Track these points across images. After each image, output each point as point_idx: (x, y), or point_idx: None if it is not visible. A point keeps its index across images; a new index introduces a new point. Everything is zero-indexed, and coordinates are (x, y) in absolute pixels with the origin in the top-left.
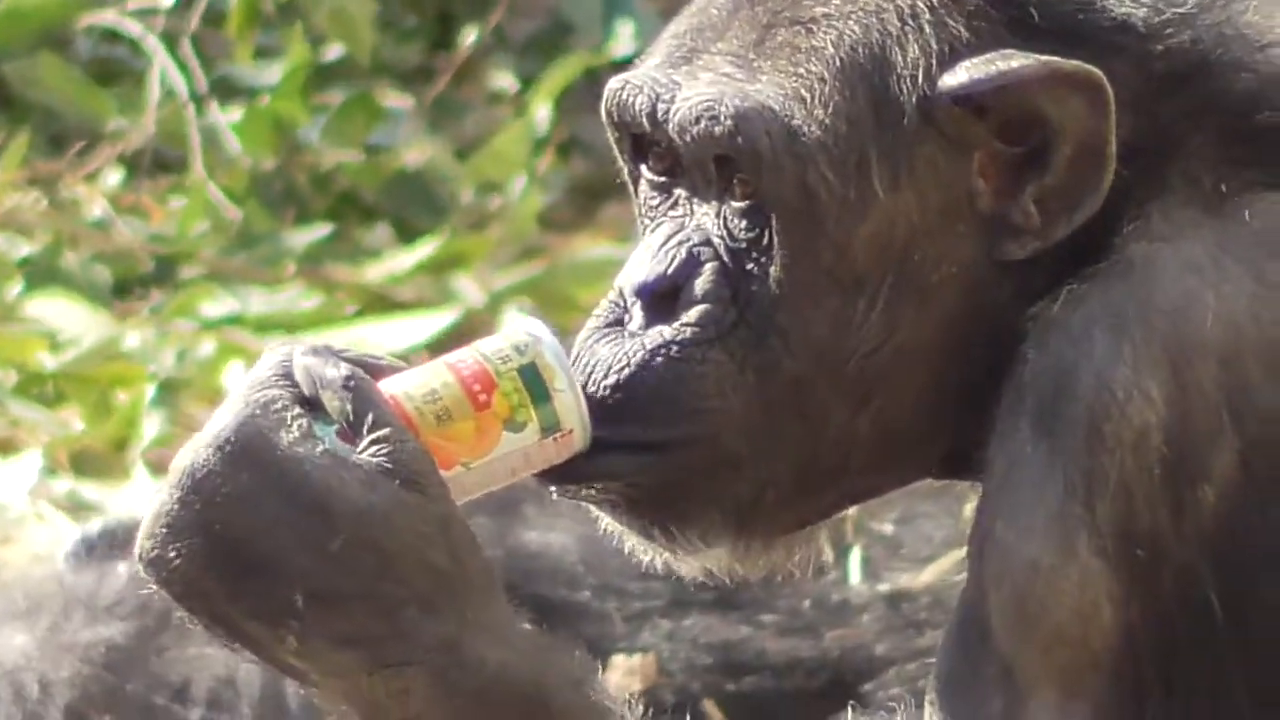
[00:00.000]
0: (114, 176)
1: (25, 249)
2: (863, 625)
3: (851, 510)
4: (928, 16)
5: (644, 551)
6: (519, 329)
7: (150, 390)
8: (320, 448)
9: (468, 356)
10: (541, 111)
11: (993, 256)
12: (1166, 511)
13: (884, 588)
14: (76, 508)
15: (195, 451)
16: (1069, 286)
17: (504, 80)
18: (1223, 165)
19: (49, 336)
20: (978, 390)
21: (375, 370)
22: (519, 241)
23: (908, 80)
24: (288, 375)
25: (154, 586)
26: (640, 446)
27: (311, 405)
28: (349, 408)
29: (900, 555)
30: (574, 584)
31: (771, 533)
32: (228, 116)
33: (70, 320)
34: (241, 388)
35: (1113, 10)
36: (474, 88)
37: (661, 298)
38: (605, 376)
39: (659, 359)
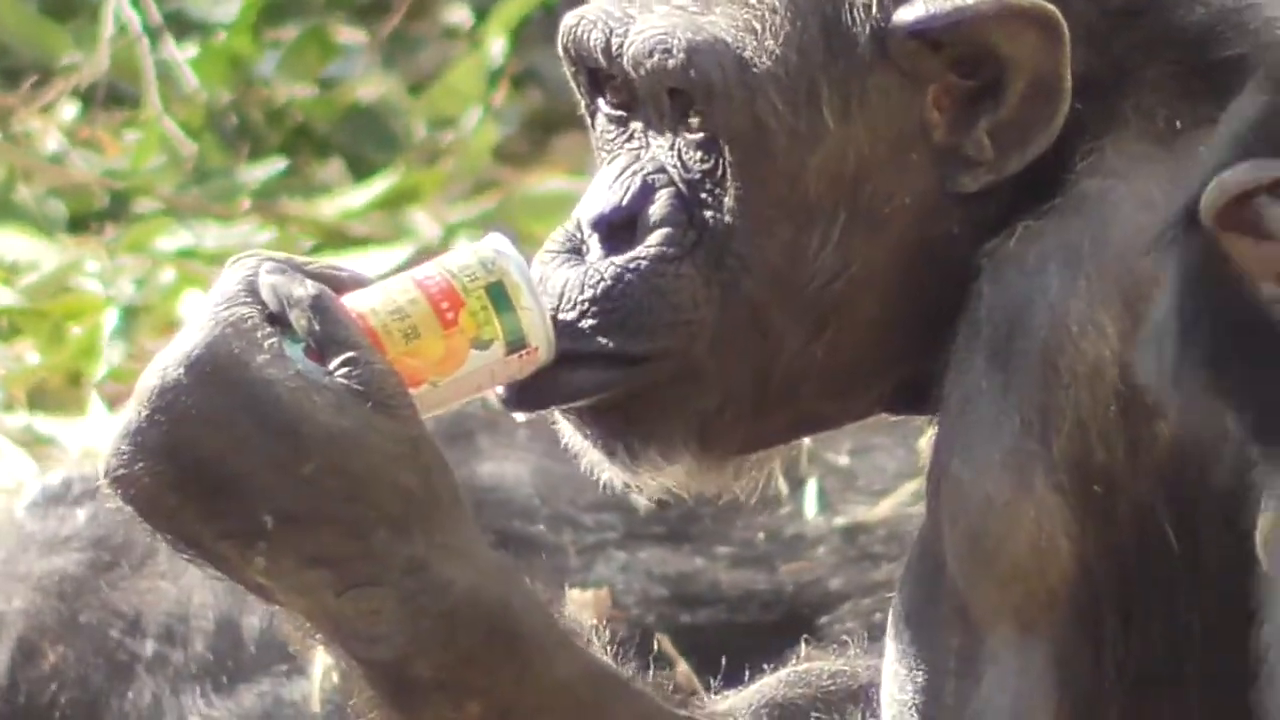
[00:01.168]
0: (69, 110)
1: None
2: (818, 558)
3: (806, 442)
4: None
5: (603, 469)
6: (485, 245)
7: (110, 318)
8: (292, 369)
9: (434, 273)
10: (496, 45)
11: (946, 189)
12: (1122, 447)
13: (839, 520)
14: (33, 442)
15: (164, 369)
16: (1024, 223)
17: (458, 14)
18: (1176, 99)
19: (3, 270)
20: (930, 324)
21: (339, 284)
22: (473, 175)
23: (860, 11)
24: (254, 291)
25: (120, 504)
26: (610, 360)
27: (278, 322)
28: (317, 328)
29: (855, 488)
30: (528, 516)
31: (728, 451)
32: (182, 52)
33: (25, 253)
34: (209, 303)
35: None
36: (428, 22)
37: (619, 227)
38: (580, 292)
39: (630, 275)
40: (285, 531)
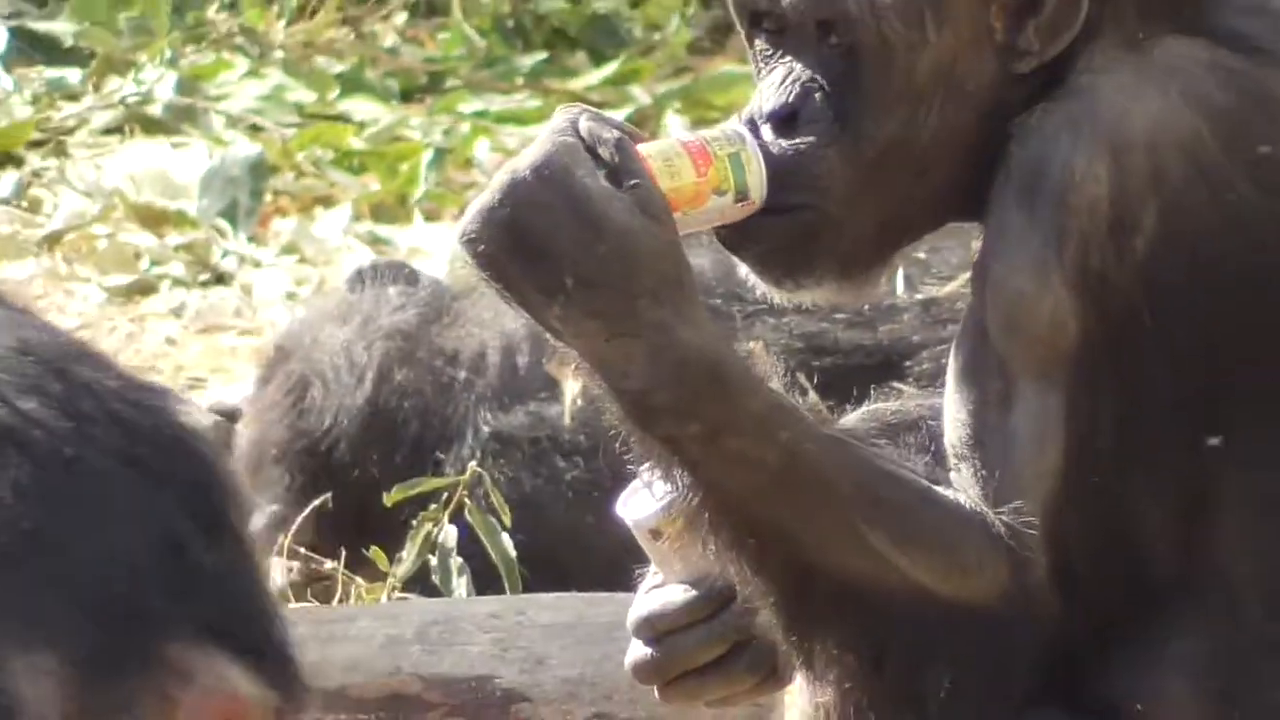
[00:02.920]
0: (400, 17)
1: (340, 67)
2: (904, 322)
3: None
4: None
5: (769, 289)
6: (732, 129)
7: (426, 158)
8: (603, 192)
9: (693, 139)
10: None
11: (1004, 73)
12: (1112, 254)
13: (919, 296)
14: (374, 242)
15: (515, 169)
16: (1043, 105)
17: None
18: (1143, 19)
19: (357, 126)
20: (988, 167)
21: (632, 135)
22: (674, 63)
23: None
24: (576, 130)
25: (468, 258)
26: (777, 210)
27: (591, 154)
28: (616, 160)
29: (930, 274)
30: (709, 292)
31: (862, 272)
32: None
33: (370, 114)
34: (547, 131)
35: None
36: None
37: (785, 120)
38: None
39: (790, 154)
40: (578, 290)
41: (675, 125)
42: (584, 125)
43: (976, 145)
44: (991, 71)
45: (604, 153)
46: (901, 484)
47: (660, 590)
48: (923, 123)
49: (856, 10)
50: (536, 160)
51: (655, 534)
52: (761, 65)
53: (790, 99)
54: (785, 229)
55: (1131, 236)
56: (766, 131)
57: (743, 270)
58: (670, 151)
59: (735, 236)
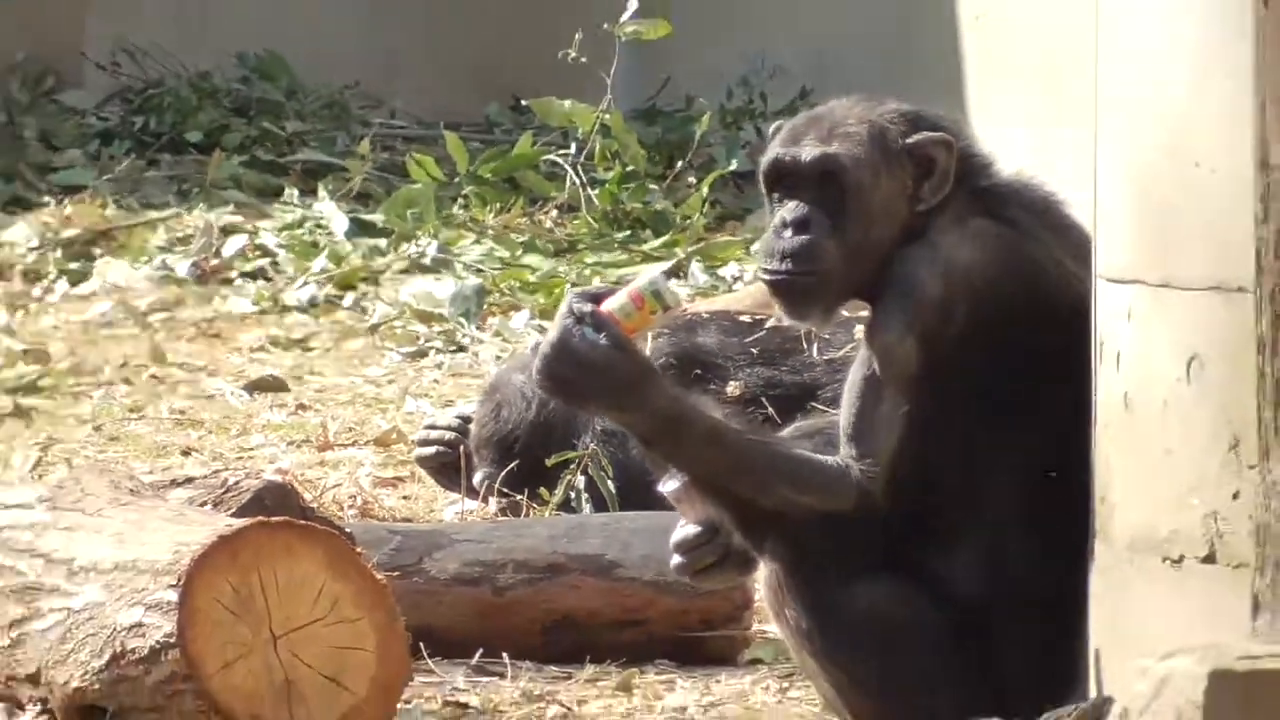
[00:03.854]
0: (554, 213)
1: (522, 238)
2: (817, 372)
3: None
4: (898, 124)
5: (784, 318)
6: (651, 272)
7: (568, 286)
8: (587, 343)
9: (634, 289)
10: (704, 190)
11: (910, 211)
12: (939, 326)
13: (825, 357)
14: (542, 331)
15: (544, 347)
16: (915, 245)
17: (690, 179)
18: (966, 205)
19: (530, 270)
20: (884, 271)
21: (603, 296)
22: (696, 235)
23: (891, 145)
24: (571, 311)
25: (540, 392)
26: (795, 275)
27: (580, 322)
28: (591, 323)
29: (830, 345)
30: (713, 354)
31: (833, 311)
32: (593, 190)
33: (538, 264)
34: (558, 316)
35: (945, 124)
36: (679, 183)
37: (800, 225)
38: (785, 248)
39: (804, 243)
40: (594, 399)
41: (694, 270)
42: (575, 306)
43: (887, 252)
44: (905, 209)
45: (586, 320)
46: (798, 461)
47: (684, 527)
48: (874, 232)
49: (847, 170)
50: (552, 339)
51: (676, 496)
52: (776, 205)
53: (804, 213)
54: (800, 286)
55: (951, 317)
56: (788, 233)
57: (745, 337)
58: (624, 301)
59: (774, 290)
